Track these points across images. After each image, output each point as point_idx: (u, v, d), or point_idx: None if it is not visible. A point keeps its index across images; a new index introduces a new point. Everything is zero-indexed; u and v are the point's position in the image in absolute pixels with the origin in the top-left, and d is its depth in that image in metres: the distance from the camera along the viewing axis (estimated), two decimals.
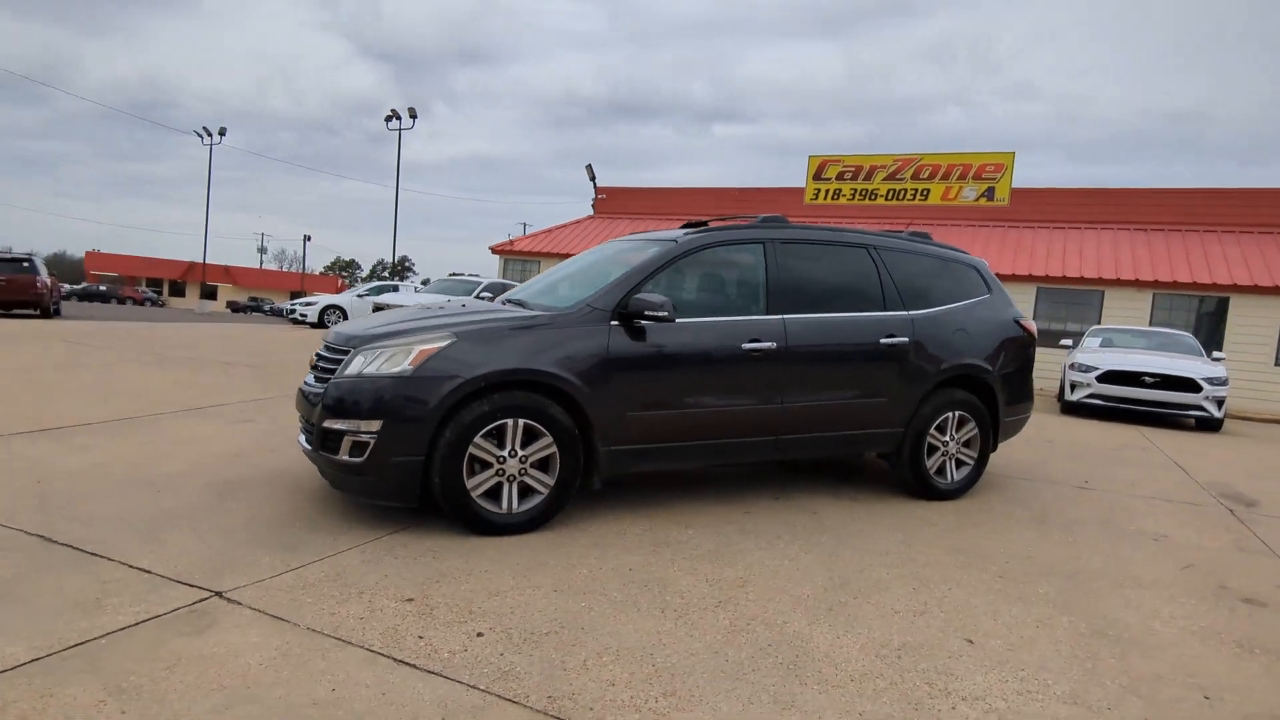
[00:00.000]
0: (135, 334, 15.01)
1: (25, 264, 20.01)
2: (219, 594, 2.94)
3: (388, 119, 32.70)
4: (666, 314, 4.00)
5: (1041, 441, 8.12)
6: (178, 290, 68.35)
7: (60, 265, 73.96)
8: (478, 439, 3.72)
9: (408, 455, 3.65)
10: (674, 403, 4.20)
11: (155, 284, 68.67)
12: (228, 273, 68.84)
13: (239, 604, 2.87)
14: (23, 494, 3.98)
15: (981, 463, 5.27)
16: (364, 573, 3.24)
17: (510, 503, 3.84)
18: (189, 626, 2.67)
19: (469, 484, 3.73)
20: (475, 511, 3.75)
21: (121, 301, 52.04)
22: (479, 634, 2.75)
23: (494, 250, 23.76)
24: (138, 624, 2.66)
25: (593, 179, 22.76)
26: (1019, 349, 5.45)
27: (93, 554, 3.25)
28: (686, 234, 4.56)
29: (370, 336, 3.93)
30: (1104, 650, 2.95)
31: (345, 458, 3.69)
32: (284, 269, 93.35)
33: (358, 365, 3.77)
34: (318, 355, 4.15)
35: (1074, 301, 16.62)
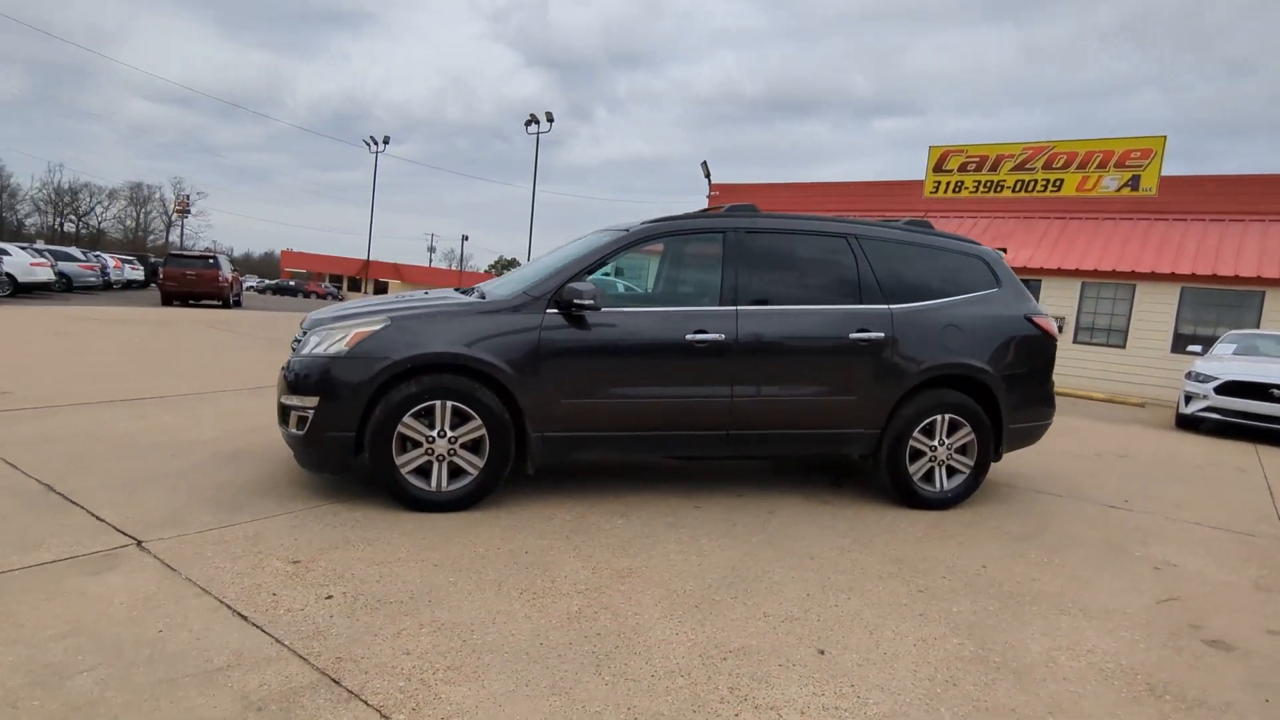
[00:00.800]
0: (277, 322, 16.75)
1: (211, 261, 22.80)
2: (139, 543, 3.33)
3: (527, 123, 34.25)
4: (592, 303, 4.04)
5: (1091, 455, 7.32)
6: (355, 285, 75.08)
7: (268, 264, 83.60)
8: (407, 418, 3.93)
9: (340, 430, 3.92)
10: (610, 392, 4.22)
11: (336, 280, 75.77)
12: (397, 270, 74.71)
13: (148, 553, 3.23)
14: (66, 452, 4.64)
15: (979, 471, 4.87)
16: (279, 536, 3.54)
17: (440, 481, 4.03)
18: (93, 568, 3.05)
19: (398, 460, 3.95)
20: (403, 487, 3.97)
21: (306, 295, 57.71)
22: (328, 596, 2.95)
23: None
24: (55, 562, 3.07)
25: (707, 176, 22.70)
26: (1031, 349, 4.98)
27: (73, 503, 3.77)
28: (641, 224, 4.55)
29: (325, 320, 4.25)
30: (971, 677, 2.70)
31: (293, 430, 4.02)
32: (451, 267, 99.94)
33: (309, 346, 4.09)
34: (295, 338, 4.54)
35: (1228, 304, 14.61)
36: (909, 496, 4.74)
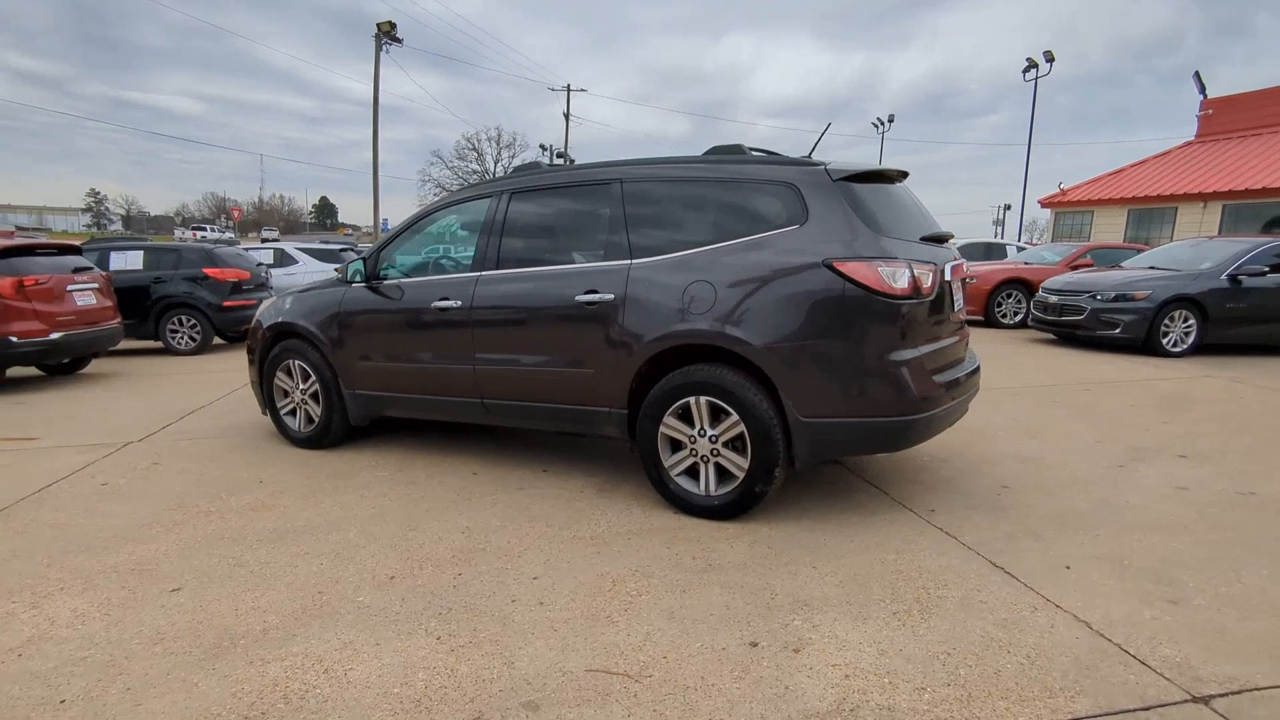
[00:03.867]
0: None
1: None
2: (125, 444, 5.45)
3: (1024, 70, 29.79)
4: (357, 277, 4.71)
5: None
6: None
7: None
8: (278, 373, 5.23)
9: (254, 378, 5.45)
10: (391, 356, 4.73)
11: None
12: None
13: (134, 444, 5.31)
14: None
15: (760, 478, 3.60)
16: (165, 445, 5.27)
17: (300, 424, 5.22)
18: (94, 456, 5.25)
19: (278, 404, 5.29)
20: (281, 427, 5.30)
21: None
22: (104, 485, 4.51)
23: (1043, 203, 19.89)
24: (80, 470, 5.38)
25: (1201, 90, 16.60)
26: (834, 312, 3.41)
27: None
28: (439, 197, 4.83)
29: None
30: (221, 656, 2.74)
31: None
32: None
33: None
34: None
35: None
36: (669, 497, 3.89)
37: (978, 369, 4.27)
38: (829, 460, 4.33)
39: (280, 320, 5.17)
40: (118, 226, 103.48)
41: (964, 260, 4.22)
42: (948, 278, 3.79)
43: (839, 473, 4.48)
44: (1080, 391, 7.00)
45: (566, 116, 47.87)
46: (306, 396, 5.14)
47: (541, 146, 53.97)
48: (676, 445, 3.85)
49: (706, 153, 4.06)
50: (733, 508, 3.71)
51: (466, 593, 3.02)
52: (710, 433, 3.70)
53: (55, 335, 7.78)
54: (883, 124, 46.92)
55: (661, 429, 3.82)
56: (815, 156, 4.01)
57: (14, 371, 8.40)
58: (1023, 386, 7.24)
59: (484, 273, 4.39)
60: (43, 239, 9.02)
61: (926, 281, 3.52)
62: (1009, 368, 8.34)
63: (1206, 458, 4.79)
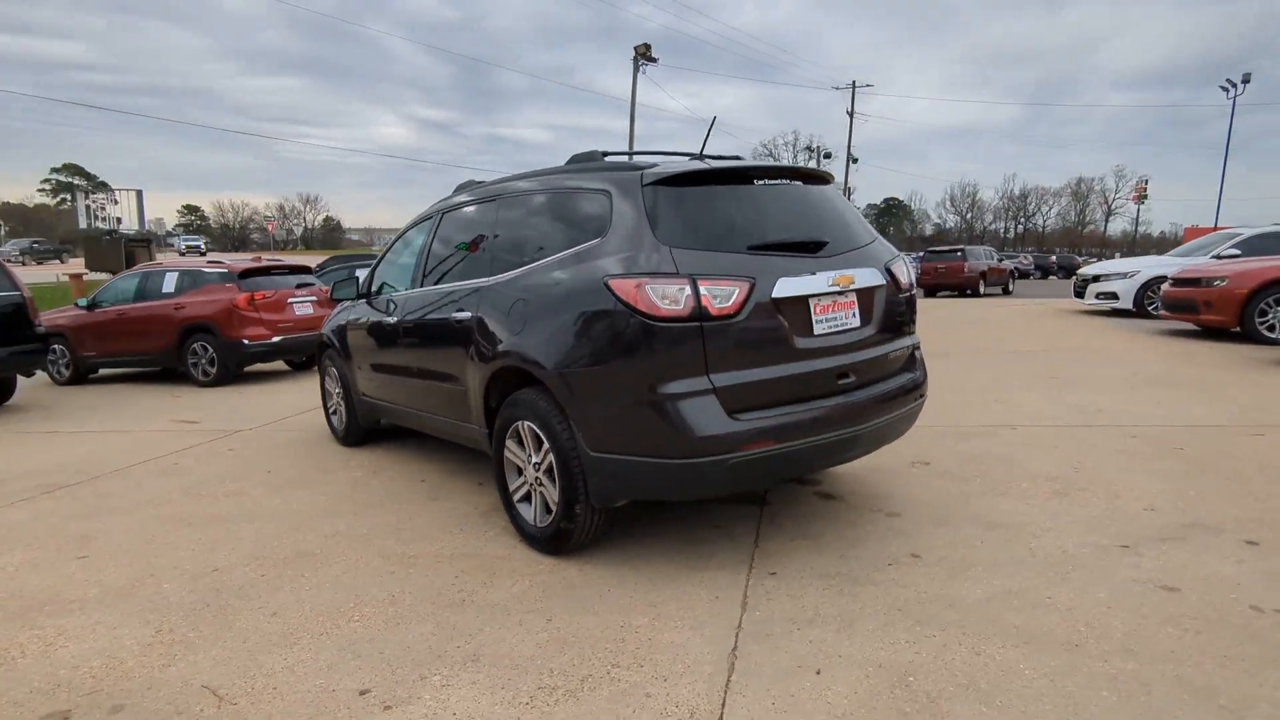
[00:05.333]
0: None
1: (958, 253, 24.37)
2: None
3: None
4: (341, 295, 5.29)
5: None
6: None
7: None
8: (325, 377, 6.02)
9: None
10: (369, 366, 5.18)
11: None
12: None
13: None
14: None
15: (568, 513, 3.31)
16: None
17: (338, 423, 5.94)
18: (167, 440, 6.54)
19: (326, 406, 6.09)
20: (329, 426, 6.09)
21: None
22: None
23: None
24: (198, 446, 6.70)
25: None
26: (604, 334, 3.03)
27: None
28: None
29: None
30: None
31: None
32: None
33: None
34: None
35: None
36: (512, 522, 3.75)
37: (896, 396, 3.45)
38: (635, 501, 3.64)
39: (323, 331, 5.92)
40: None
41: (863, 271, 3.40)
42: (785, 294, 3.10)
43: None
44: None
45: (850, 115, 45.91)
46: (339, 400, 5.83)
47: (809, 149, 52.54)
48: (521, 470, 3.70)
49: (567, 162, 3.82)
50: (551, 542, 3.46)
51: (243, 594, 3.26)
52: (534, 460, 3.50)
53: (276, 338, 9.71)
54: (1234, 87, 37.61)
55: (505, 452, 3.70)
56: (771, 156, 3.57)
57: (257, 367, 10.60)
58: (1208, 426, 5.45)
59: (409, 291, 4.61)
60: (281, 261, 11.25)
61: (726, 301, 2.95)
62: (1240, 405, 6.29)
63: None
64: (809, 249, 3.30)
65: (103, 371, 10.88)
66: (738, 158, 4.08)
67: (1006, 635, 2.62)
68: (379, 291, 5.18)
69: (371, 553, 3.66)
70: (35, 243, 51.82)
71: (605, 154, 3.70)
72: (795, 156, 62.25)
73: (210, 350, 9.56)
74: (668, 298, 2.91)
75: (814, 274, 3.19)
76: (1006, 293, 25.46)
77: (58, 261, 45.46)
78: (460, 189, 4.72)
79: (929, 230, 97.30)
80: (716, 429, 2.93)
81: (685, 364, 2.93)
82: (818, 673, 2.45)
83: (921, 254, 28.35)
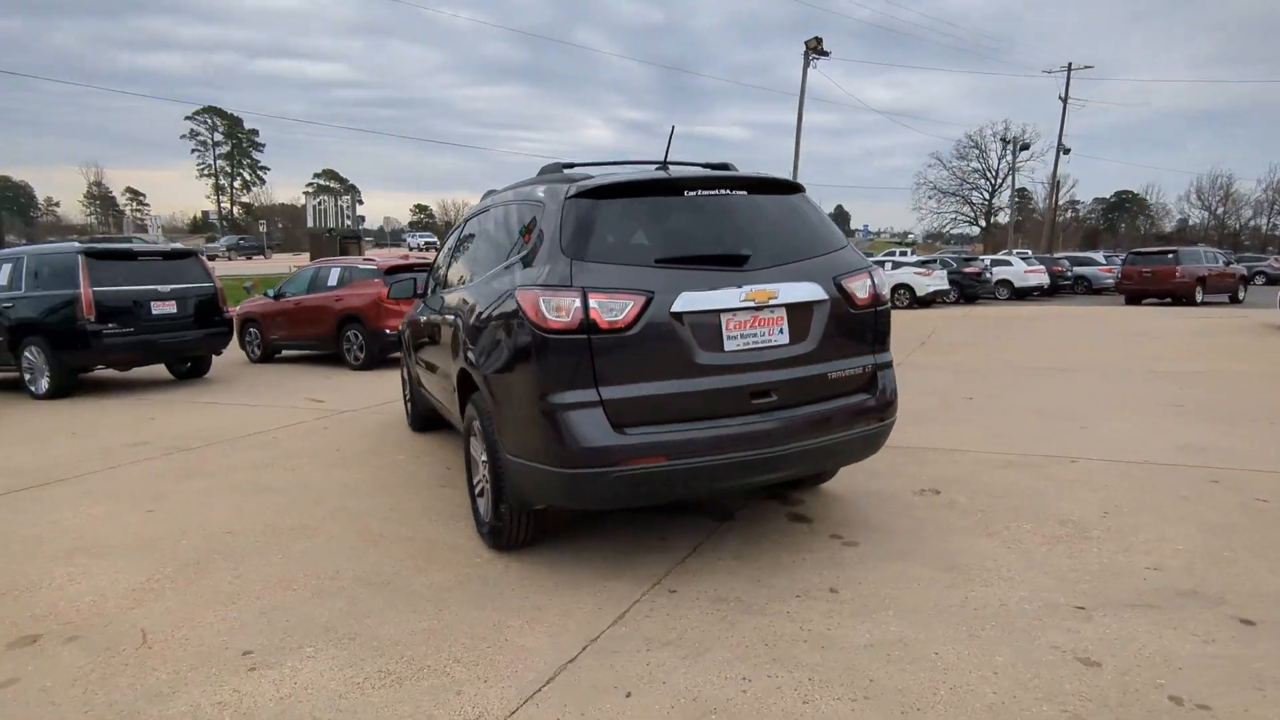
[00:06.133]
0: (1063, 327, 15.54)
1: (1169, 255, 21.38)
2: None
3: None
4: None
5: None
6: None
7: None
8: (401, 369, 6.62)
9: None
10: (416, 361, 5.64)
11: None
12: None
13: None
14: None
15: (494, 515, 3.51)
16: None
17: (406, 410, 6.51)
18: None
19: (404, 393, 6.70)
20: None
21: None
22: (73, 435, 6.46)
23: None
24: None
25: None
26: (512, 344, 3.26)
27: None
28: None
29: None
30: None
31: None
32: None
33: None
34: None
35: None
36: (473, 515, 3.96)
37: (838, 419, 3.25)
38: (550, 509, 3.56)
39: (400, 325, 6.51)
40: None
41: (794, 286, 3.21)
42: (687, 308, 3.02)
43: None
44: None
45: (1064, 100, 41.32)
46: (406, 389, 6.39)
47: (1003, 140, 47.77)
48: (477, 467, 3.90)
49: (537, 174, 3.94)
50: (491, 537, 3.64)
51: (230, 556, 3.74)
52: (483, 458, 3.69)
53: None
54: None
55: (469, 448, 3.93)
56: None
57: None
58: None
59: (437, 293, 4.97)
60: (426, 259, 12.32)
61: (617, 315, 2.94)
62: None
63: None
64: (731, 262, 3.19)
65: (285, 352, 12.56)
66: (725, 166, 4.00)
67: (853, 688, 2.41)
68: (430, 291, 5.63)
69: (352, 531, 4.03)
70: (241, 239, 60.26)
71: (566, 165, 3.79)
72: (1006, 148, 56.99)
73: (360, 338, 10.75)
74: (560, 309, 2.96)
75: (723, 288, 3.08)
76: (1235, 301, 21.87)
77: (261, 257, 52.62)
78: (484, 197, 5.00)
79: (1169, 226, 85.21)
80: (600, 441, 2.94)
81: (574, 375, 2.97)
82: (628, 695, 2.42)
83: (1125, 256, 25.08)
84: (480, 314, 3.55)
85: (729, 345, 3.11)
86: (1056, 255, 30.46)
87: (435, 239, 72.26)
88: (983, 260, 24.65)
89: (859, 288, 3.40)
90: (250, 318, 12.29)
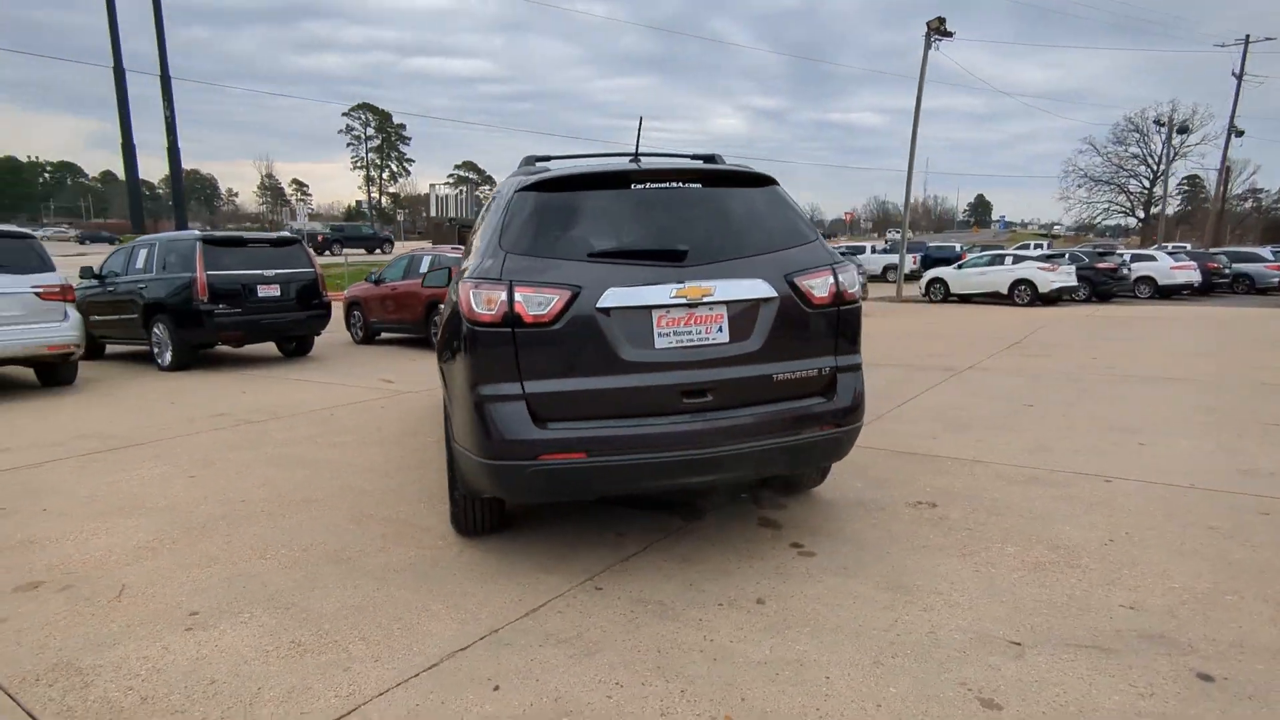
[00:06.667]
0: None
1: None
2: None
3: None
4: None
5: None
6: None
7: None
8: None
9: None
10: None
11: None
12: None
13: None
14: None
15: (451, 500, 3.58)
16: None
17: None
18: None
19: None
20: None
21: None
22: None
23: None
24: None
25: None
26: (452, 335, 3.33)
27: None
28: None
29: None
30: None
31: None
32: None
33: None
34: None
35: None
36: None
37: (785, 422, 3.11)
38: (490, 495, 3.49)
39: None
40: None
41: (736, 283, 3.07)
42: (615, 304, 2.96)
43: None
44: None
45: (1238, 77, 36.74)
46: None
47: (1158, 122, 43.08)
48: None
49: (518, 166, 3.97)
50: (455, 521, 3.75)
51: (232, 524, 4.06)
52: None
53: None
54: None
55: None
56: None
57: None
58: None
59: None
60: None
61: (542, 309, 2.94)
62: None
63: None
64: (669, 258, 3.10)
65: (384, 335, 13.35)
66: (711, 158, 3.91)
67: (719, 705, 2.31)
68: None
69: (345, 508, 4.26)
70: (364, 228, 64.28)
71: (540, 159, 3.82)
72: (1158, 131, 51.35)
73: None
74: (489, 302, 3.00)
75: (654, 285, 3.01)
76: None
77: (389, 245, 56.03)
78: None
79: None
80: (520, 434, 2.96)
81: (499, 368, 3.00)
82: (495, 689, 2.43)
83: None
84: (448, 306, 3.65)
85: (660, 343, 3.03)
86: (1215, 250, 27.25)
87: None
88: (1121, 255, 22.44)
89: (816, 285, 3.22)
90: (355, 301, 13.17)
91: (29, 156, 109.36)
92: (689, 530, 3.75)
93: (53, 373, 8.71)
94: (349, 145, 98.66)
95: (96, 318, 10.91)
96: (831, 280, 3.27)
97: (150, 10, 28.67)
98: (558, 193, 3.25)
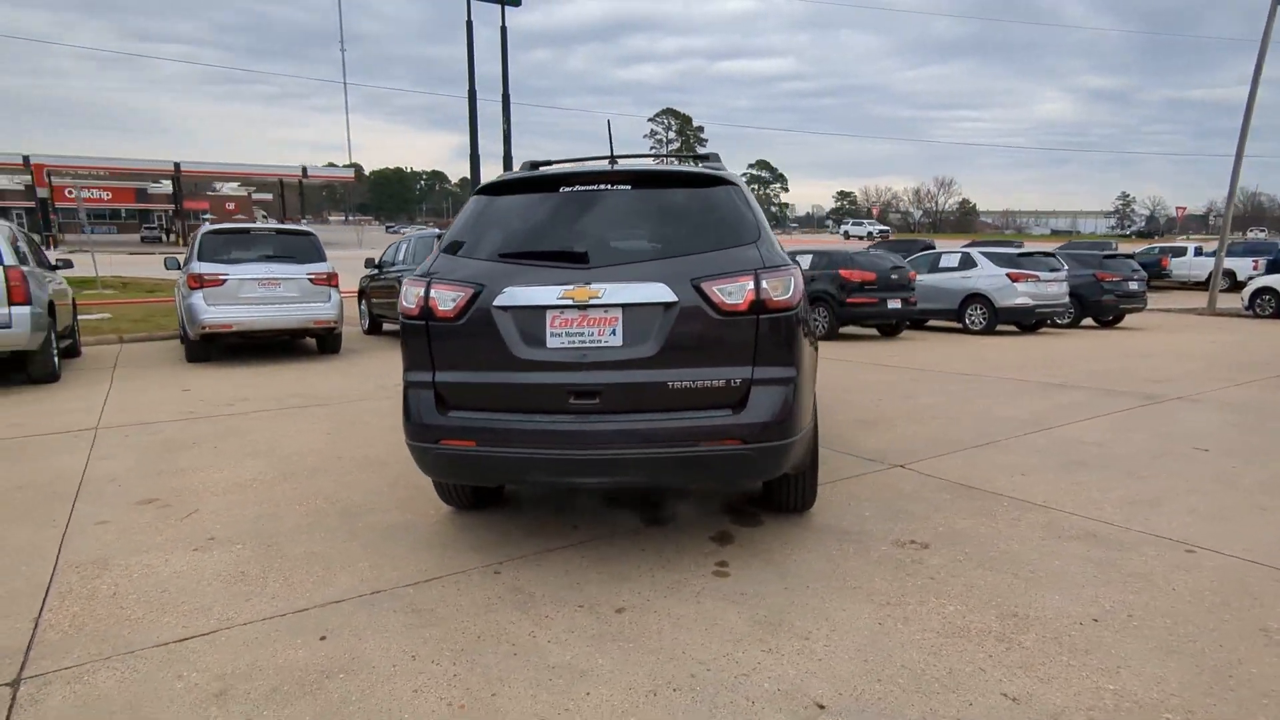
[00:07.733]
0: None
1: None
2: None
3: None
4: None
5: None
6: None
7: None
8: None
9: None
10: None
11: None
12: None
13: None
14: None
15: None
16: None
17: None
18: None
19: None
20: None
21: None
22: None
23: None
24: None
25: None
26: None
27: None
28: None
29: None
30: None
31: None
32: None
33: None
34: None
35: None
36: None
37: (675, 433, 3.00)
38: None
39: None
40: (1139, 228, 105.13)
41: (630, 286, 2.98)
42: (510, 303, 3.07)
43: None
44: None
45: None
46: None
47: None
48: None
49: (520, 167, 4.18)
50: (437, 491, 4.11)
51: (252, 489, 4.87)
52: None
53: None
54: None
55: None
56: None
57: None
58: None
59: None
60: None
61: (447, 305, 3.17)
62: None
63: None
64: (572, 259, 3.13)
65: None
66: (709, 158, 3.87)
67: (469, 696, 2.37)
68: None
69: (368, 477, 4.72)
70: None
71: (541, 164, 4.01)
72: None
73: None
74: (414, 298, 3.30)
75: (546, 285, 3.06)
76: None
77: None
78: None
79: None
80: (426, 420, 3.23)
81: (419, 358, 3.29)
82: (322, 638, 2.74)
83: None
84: None
85: (552, 342, 3.09)
86: None
87: (887, 229, 72.71)
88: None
89: (729, 292, 3.01)
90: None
91: (408, 167, 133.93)
92: (639, 532, 3.71)
93: (322, 342, 10.85)
94: (652, 149, 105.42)
95: (376, 300, 13.22)
96: (750, 286, 3.03)
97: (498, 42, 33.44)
98: (501, 196, 3.44)
